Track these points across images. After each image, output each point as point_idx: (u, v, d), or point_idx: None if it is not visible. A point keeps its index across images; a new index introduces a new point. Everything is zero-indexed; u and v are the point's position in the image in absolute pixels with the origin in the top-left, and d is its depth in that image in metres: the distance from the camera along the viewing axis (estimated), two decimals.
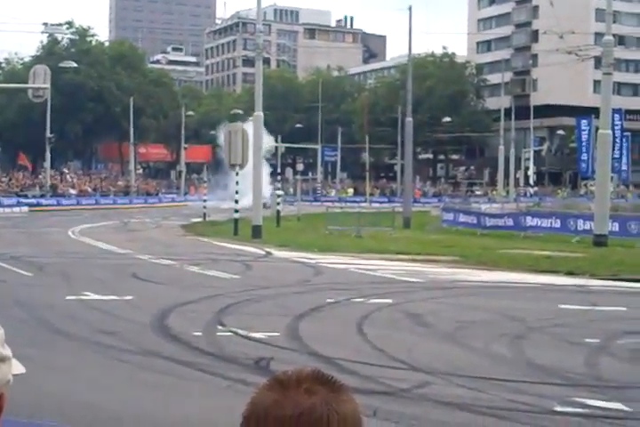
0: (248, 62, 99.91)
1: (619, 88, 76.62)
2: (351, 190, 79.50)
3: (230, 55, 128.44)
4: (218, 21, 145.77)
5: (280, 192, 39.74)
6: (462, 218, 35.33)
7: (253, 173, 30.05)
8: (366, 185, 65.93)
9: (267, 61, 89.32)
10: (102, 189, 64.79)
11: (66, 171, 70.35)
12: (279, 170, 54.02)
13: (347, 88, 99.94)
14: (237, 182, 30.44)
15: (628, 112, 72.40)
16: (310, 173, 77.29)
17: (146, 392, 7.74)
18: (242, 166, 30.47)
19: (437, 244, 26.32)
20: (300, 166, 69.45)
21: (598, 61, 32.16)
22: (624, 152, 60.98)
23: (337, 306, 13.30)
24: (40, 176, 62.64)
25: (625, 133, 60.58)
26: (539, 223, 30.82)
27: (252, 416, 1.17)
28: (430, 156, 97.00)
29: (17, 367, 1.43)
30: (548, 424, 6.77)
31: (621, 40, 79.16)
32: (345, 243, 26.73)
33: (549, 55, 63.50)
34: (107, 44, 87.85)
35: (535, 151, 75.48)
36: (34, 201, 54.50)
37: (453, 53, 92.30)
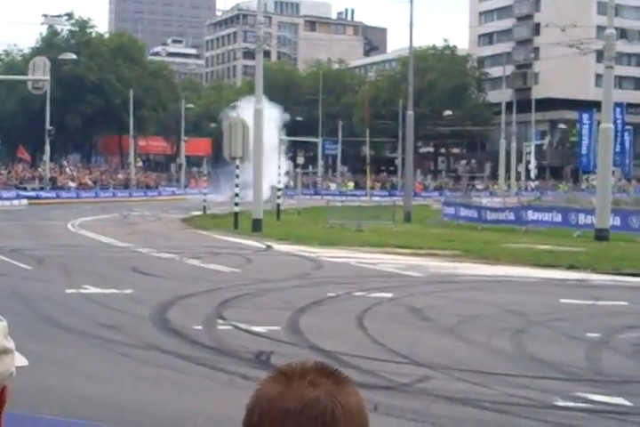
0: (248, 54, 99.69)
1: (620, 82, 76.53)
2: (352, 184, 79.45)
3: (230, 47, 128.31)
4: (218, 13, 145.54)
5: (280, 185, 39.67)
6: (463, 212, 35.31)
7: (254, 166, 30.01)
8: (367, 179, 65.74)
9: (267, 54, 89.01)
10: (102, 181, 64.72)
11: (65, 163, 70.33)
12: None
13: (347, 81, 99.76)
14: (237, 176, 30.43)
15: (630, 106, 72.27)
16: (311, 167, 77.21)
17: (146, 386, 7.73)
18: (242, 159, 30.42)
19: (438, 238, 26.31)
20: (300, 160, 69.32)
21: (600, 55, 32.16)
22: (626, 146, 60.92)
23: (337, 300, 13.28)
24: (39, 169, 62.59)
25: (627, 127, 60.52)
26: (540, 217, 30.81)
27: (255, 408, 1.16)
28: (431, 149, 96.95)
29: (20, 360, 1.41)
30: (550, 419, 6.75)
31: (623, 33, 79.05)
32: (345, 236, 26.71)
33: (551, 48, 63.32)
34: (106, 35, 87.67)
35: (536, 145, 75.40)
36: (33, 194, 54.45)
37: (455, 46, 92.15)
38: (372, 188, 70.54)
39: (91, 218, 37.33)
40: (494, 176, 74.44)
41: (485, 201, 42.01)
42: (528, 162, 73.47)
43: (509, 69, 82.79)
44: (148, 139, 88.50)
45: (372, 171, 72.15)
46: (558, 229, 29.11)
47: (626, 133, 60.10)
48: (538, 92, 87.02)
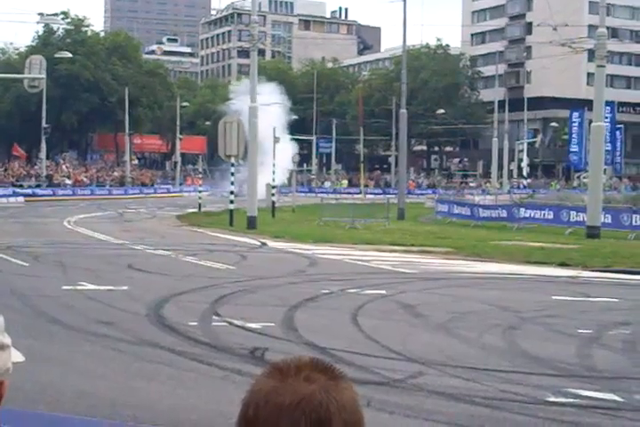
0: (243, 53, 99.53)
1: (612, 80, 76.64)
2: (346, 182, 79.48)
3: (225, 46, 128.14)
4: (213, 12, 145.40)
5: (274, 183, 39.74)
6: (456, 209, 35.44)
7: (249, 164, 30.06)
8: (361, 176, 65.86)
9: (261, 52, 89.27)
10: (98, 179, 64.66)
11: (61, 161, 70.21)
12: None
13: (341, 79, 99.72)
14: (232, 173, 30.47)
15: (621, 104, 72.46)
16: (305, 165, 77.24)
17: (142, 382, 7.77)
18: (237, 158, 30.46)
19: (431, 235, 26.41)
20: (294, 158, 69.22)
21: (592, 54, 32.21)
22: (617, 144, 61.07)
23: (332, 297, 13.36)
24: (36, 166, 62.47)
25: (618, 126, 60.68)
26: (532, 215, 30.94)
27: (251, 403, 1.18)
28: (424, 147, 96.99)
29: (16, 356, 1.46)
30: (541, 414, 6.81)
31: (615, 33, 79.33)
32: (340, 234, 26.78)
33: (543, 47, 63.46)
34: (102, 34, 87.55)
35: (529, 143, 75.57)
36: (29, 191, 54.30)
37: (448, 45, 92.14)
38: (366, 186, 70.58)
39: (87, 215, 37.31)
40: (487, 174, 74.45)
41: (478, 199, 42.06)
42: (520, 160, 73.63)
43: (502, 68, 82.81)
44: (144, 137, 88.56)
45: (365, 169, 72.21)
46: (550, 227, 29.23)
47: (617, 132, 60.29)
48: (530, 91, 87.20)
